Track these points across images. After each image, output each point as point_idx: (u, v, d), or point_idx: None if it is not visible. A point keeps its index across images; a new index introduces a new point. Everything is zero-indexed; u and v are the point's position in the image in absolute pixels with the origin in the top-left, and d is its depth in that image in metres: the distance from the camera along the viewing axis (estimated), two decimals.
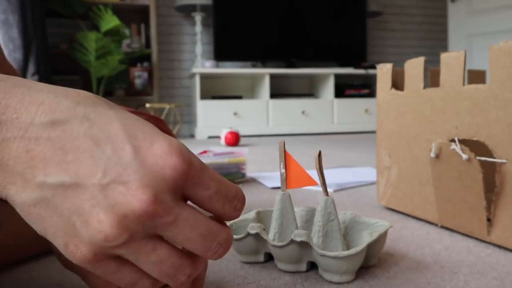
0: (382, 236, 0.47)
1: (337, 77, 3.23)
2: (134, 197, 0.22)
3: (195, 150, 1.94)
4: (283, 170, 0.47)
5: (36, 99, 0.24)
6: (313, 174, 1.09)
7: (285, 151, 0.47)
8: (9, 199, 0.23)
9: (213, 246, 0.25)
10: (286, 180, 0.47)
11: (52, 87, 0.25)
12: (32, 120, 0.23)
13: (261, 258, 0.49)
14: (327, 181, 1.01)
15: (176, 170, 0.23)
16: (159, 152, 0.23)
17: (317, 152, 0.46)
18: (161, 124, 0.81)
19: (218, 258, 0.26)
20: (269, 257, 0.50)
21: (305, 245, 0.44)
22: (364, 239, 0.45)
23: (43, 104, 0.23)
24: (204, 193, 0.25)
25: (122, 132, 0.23)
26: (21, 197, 0.23)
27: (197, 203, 0.25)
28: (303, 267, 0.46)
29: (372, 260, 0.47)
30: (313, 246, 0.43)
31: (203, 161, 1.01)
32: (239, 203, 0.27)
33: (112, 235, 0.22)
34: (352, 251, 0.42)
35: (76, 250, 0.23)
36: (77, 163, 0.22)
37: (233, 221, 0.53)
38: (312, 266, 0.47)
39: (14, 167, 0.23)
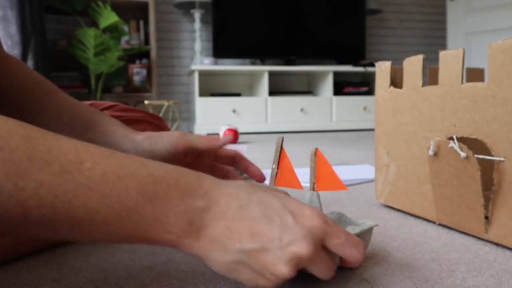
0: (367, 234, 0.47)
1: (336, 74, 3.23)
2: (302, 249, 0.33)
3: None
4: (274, 166, 0.47)
5: (224, 191, 0.34)
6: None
7: (282, 147, 0.47)
8: (211, 260, 0.34)
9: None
10: (275, 177, 0.48)
11: (229, 182, 0.35)
12: (228, 206, 0.33)
13: None
14: None
15: (320, 228, 0.34)
16: (308, 217, 0.34)
17: (314, 150, 0.46)
18: (159, 121, 0.81)
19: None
20: None
21: None
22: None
23: (230, 195, 0.34)
24: (337, 241, 0.36)
25: (282, 207, 0.35)
26: (222, 258, 0.33)
27: (332, 249, 0.36)
28: None
29: None
30: None
31: None
32: (361, 248, 0.37)
33: (289, 275, 0.33)
34: (361, 227, 0.44)
35: (265, 285, 0.34)
36: (261, 234, 0.33)
37: None
38: None
39: (218, 238, 0.33)
